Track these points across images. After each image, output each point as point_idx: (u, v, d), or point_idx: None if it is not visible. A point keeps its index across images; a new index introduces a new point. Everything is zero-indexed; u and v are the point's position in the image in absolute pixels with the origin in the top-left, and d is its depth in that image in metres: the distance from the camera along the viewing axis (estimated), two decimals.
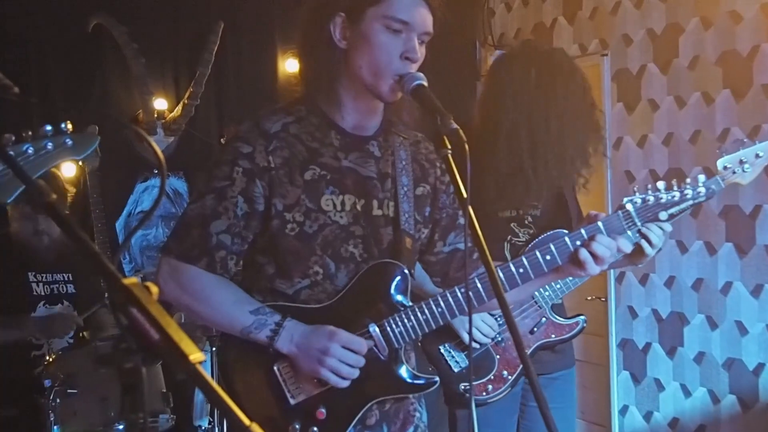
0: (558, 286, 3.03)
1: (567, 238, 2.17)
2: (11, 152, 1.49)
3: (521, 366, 3.05)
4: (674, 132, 4.25)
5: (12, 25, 4.68)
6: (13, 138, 1.51)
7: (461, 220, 2.31)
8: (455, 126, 1.85)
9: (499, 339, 3.03)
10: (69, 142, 1.58)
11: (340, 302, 2.14)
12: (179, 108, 5.08)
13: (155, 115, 5.04)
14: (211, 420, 4.20)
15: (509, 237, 3.04)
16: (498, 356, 3.02)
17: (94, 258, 0.99)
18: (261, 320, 2.09)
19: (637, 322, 4.51)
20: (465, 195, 1.77)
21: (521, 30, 5.28)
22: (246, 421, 0.97)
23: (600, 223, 2.18)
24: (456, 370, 3.00)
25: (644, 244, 2.86)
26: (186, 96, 5.06)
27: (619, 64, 4.54)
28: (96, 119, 1.75)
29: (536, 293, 3.03)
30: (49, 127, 1.54)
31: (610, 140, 4.38)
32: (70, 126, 1.58)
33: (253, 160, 2.10)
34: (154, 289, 1.01)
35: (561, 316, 3.12)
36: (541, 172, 2.91)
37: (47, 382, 3.23)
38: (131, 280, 0.99)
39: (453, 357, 3.01)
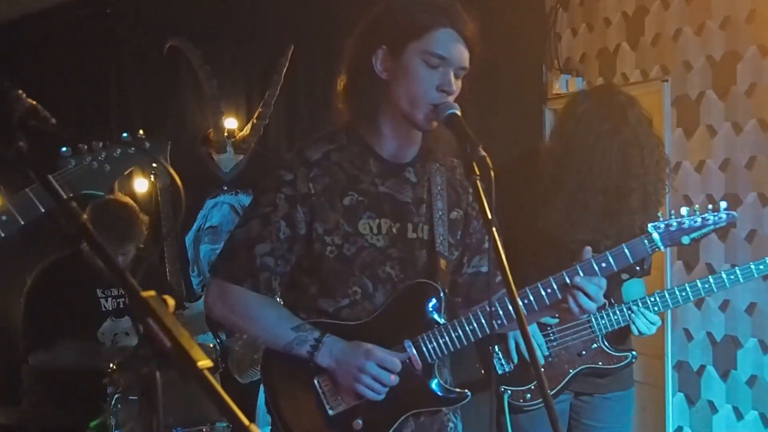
0: (615, 316, 3.11)
1: (565, 274, 2.28)
2: (104, 153, 1.75)
3: (563, 382, 3.14)
4: (731, 158, 4.26)
5: (91, 47, 4.94)
6: (101, 144, 1.79)
7: (487, 245, 2.42)
8: (483, 154, 1.97)
9: (547, 354, 3.13)
10: (147, 144, 1.87)
11: (377, 319, 2.27)
12: (248, 127, 5.29)
13: (226, 134, 5.26)
14: (273, 430, 4.34)
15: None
16: (542, 370, 3.10)
17: (118, 273, 1.13)
18: (302, 336, 2.24)
19: (692, 345, 4.51)
20: (489, 217, 1.88)
21: (586, 55, 5.33)
22: (245, 421, 1.09)
23: (578, 266, 2.27)
24: (500, 372, 3.11)
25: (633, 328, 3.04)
26: (255, 116, 5.26)
27: (679, 90, 4.56)
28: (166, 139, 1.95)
29: (592, 319, 3.12)
30: (126, 135, 1.83)
31: (670, 165, 4.40)
32: (141, 132, 1.85)
33: (294, 187, 2.24)
34: (171, 301, 1.15)
35: (615, 346, 3.19)
36: (605, 216, 2.99)
37: (110, 389, 3.41)
38: (149, 293, 1.13)
39: (500, 359, 3.12)
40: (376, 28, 2.28)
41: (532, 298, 2.27)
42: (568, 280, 2.26)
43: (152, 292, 1.13)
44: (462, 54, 2.22)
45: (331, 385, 2.26)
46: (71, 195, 1.72)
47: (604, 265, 2.29)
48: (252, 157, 5.39)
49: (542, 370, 3.07)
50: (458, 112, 2.15)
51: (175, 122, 5.24)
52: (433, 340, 2.27)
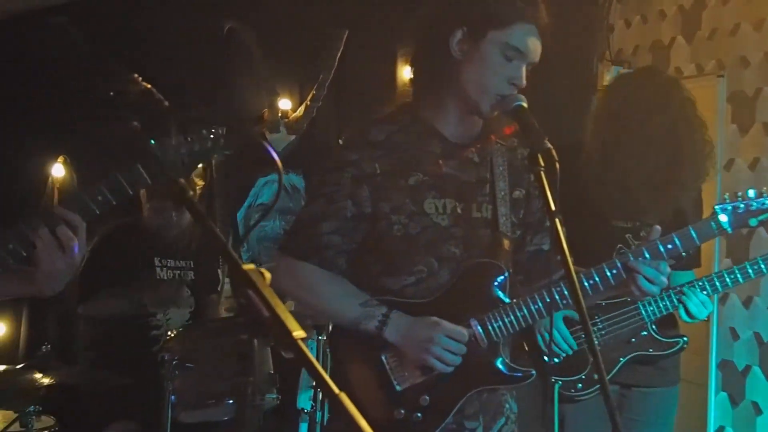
0: (663, 302, 3.12)
1: (629, 254, 2.31)
2: (183, 149, 1.93)
3: (613, 371, 3.16)
4: None
5: (149, 27, 5.03)
6: (183, 138, 1.96)
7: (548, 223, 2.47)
8: (549, 146, 2.02)
9: (595, 342, 3.15)
10: (221, 141, 2.03)
11: (443, 298, 2.32)
12: (302, 109, 5.37)
13: (279, 114, 5.35)
14: (314, 405, 4.42)
15: (620, 246, 3.14)
16: (592, 359, 3.12)
17: (222, 247, 1.20)
18: (369, 312, 2.29)
19: (738, 344, 4.51)
20: (554, 208, 1.93)
21: (639, 47, 5.32)
22: (335, 389, 1.15)
23: (643, 248, 2.29)
24: (546, 360, 3.14)
25: (682, 312, 3.00)
26: (308, 98, 5.34)
27: (735, 85, 4.54)
28: (224, 120, 2.06)
29: (640, 306, 3.14)
30: (204, 131, 1.97)
31: (722, 161, 4.40)
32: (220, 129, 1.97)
33: (360, 167, 2.30)
34: (268, 275, 1.21)
35: (665, 332, 3.20)
36: (658, 191, 3.02)
37: (166, 356, 3.52)
38: (249, 266, 1.19)
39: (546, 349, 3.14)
40: (458, 7, 2.32)
41: (597, 278, 2.31)
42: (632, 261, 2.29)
43: (251, 265, 1.19)
44: (537, 49, 2.29)
45: (398, 361, 2.31)
46: (150, 183, 1.90)
47: (670, 246, 2.31)
48: (303, 138, 5.46)
49: (594, 359, 3.12)
50: (525, 104, 2.20)
51: (229, 101, 5.32)
52: (498, 318, 2.32)
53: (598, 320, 3.16)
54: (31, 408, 3.51)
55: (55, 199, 5.11)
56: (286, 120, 5.40)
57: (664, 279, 2.29)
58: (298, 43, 5.43)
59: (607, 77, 5.45)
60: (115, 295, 4.03)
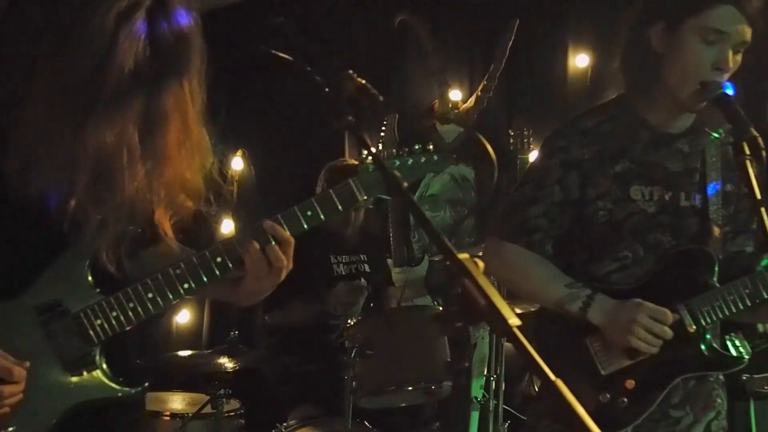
0: None
1: None
2: (397, 161, 1.95)
3: None
4: None
5: (329, 20, 5.18)
6: (395, 152, 1.97)
7: (754, 225, 2.41)
8: (755, 134, 1.99)
9: None
10: (435, 156, 1.99)
11: (649, 284, 2.32)
12: (472, 99, 5.38)
13: (450, 105, 5.38)
14: (486, 394, 4.44)
15: None
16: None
17: (437, 238, 1.24)
18: (574, 293, 2.31)
19: None
20: (759, 197, 1.92)
21: None
22: (552, 376, 1.17)
23: None
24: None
25: None
26: (479, 89, 5.34)
27: None
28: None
29: None
30: (417, 146, 1.97)
31: None
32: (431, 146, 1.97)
33: (569, 153, 2.34)
34: (481, 264, 1.24)
35: None
36: None
37: (347, 343, 3.62)
38: (464, 256, 1.23)
39: (734, 342, 3.03)
40: (655, 3, 2.33)
41: None
42: None
43: (466, 255, 1.23)
44: (742, 30, 2.22)
45: (602, 345, 2.31)
46: (365, 198, 1.86)
47: None
48: (473, 128, 5.48)
49: None
50: (729, 92, 2.15)
51: (400, 92, 5.40)
52: (707, 303, 2.28)
53: None
54: (221, 391, 3.68)
55: (234, 192, 5.32)
56: (457, 111, 5.43)
57: None
58: (469, 34, 5.46)
59: None
60: (300, 310, 4.14)
